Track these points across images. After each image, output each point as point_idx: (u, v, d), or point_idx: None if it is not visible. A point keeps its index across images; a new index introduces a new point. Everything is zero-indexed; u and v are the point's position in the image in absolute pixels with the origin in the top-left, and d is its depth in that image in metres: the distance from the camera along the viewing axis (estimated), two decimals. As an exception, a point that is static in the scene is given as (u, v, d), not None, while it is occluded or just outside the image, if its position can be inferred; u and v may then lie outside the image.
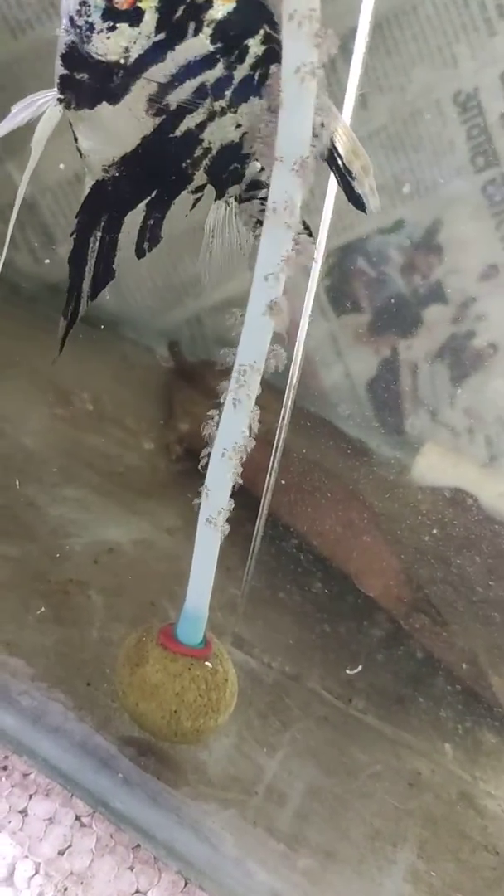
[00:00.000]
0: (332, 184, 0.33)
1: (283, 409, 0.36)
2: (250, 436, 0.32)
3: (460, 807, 0.44)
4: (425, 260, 0.69)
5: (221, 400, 0.32)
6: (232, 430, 0.32)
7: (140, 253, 0.35)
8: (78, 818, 0.41)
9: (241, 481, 0.34)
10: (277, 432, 0.37)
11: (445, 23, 0.64)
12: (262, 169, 0.31)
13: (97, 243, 0.34)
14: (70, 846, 0.40)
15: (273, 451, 0.38)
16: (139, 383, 0.68)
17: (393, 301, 0.70)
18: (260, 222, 0.30)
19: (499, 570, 0.48)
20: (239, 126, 0.30)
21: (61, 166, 0.70)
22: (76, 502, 0.55)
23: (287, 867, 0.39)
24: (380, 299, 0.70)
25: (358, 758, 0.45)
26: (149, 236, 0.33)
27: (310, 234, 0.31)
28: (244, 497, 0.38)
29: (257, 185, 0.32)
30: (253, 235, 0.33)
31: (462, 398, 0.68)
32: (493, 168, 0.66)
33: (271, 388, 0.34)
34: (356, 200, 0.32)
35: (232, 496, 0.34)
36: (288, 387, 0.37)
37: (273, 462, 0.38)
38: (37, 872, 0.39)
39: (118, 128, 0.30)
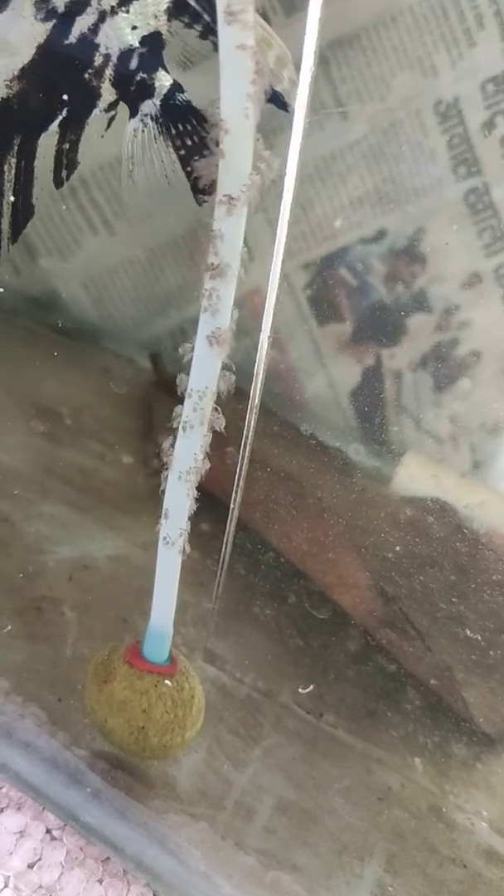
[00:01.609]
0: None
1: (247, 420, 0.36)
2: (205, 458, 0.33)
3: (430, 820, 0.44)
4: (408, 269, 0.69)
5: (175, 425, 0.32)
6: (187, 453, 0.32)
7: (58, 182, 0.32)
8: (49, 831, 0.41)
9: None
10: (242, 446, 0.37)
11: (425, 33, 0.64)
12: (175, 84, 0.30)
13: (12, 171, 0.31)
14: (40, 859, 0.41)
15: (239, 464, 0.38)
16: (120, 396, 0.68)
17: (376, 310, 0.70)
18: (185, 149, 0.29)
19: (468, 583, 0.48)
20: (135, 28, 0.29)
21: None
22: (52, 518, 0.55)
23: (254, 882, 0.40)
24: (362, 308, 0.70)
25: (328, 772, 0.45)
26: (66, 162, 0.31)
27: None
28: (221, 511, 0.39)
29: (174, 107, 0.30)
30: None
31: (446, 406, 0.68)
32: (474, 177, 0.66)
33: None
34: (277, 100, 0.29)
35: (207, 511, 0.35)
36: (251, 397, 0.37)
37: (239, 476, 0.38)
38: (6, 886, 0.40)
39: (11, 36, 0.28)
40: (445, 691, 0.48)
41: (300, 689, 0.48)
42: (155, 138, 0.32)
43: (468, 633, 0.48)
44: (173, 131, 0.31)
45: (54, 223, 0.71)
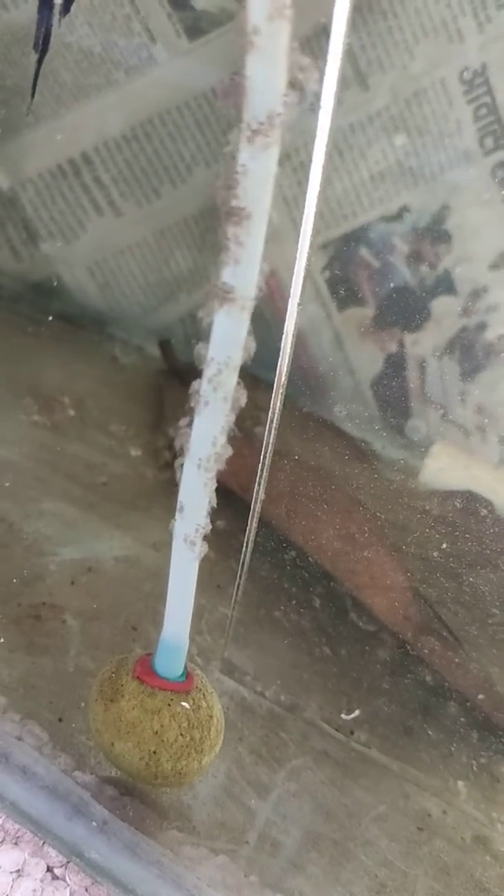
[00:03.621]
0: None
1: (271, 411, 0.32)
2: (226, 443, 0.28)
3: (476, 853, 0.40)
4: (432, 249, 0.68)
5: (193, 404, 0.28)
6: (205, 437, 0.28)
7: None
8: (50, 869, 0.38)
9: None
10: (265, 435, 0.33)
11: (450, -6, 0.61)
12: None
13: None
14: (41, 901, 0.37)
15: (262, 455, 0.34)
16: (127, 385, 0.66)
17: (398, 293, 0.68)
18: None
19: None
20: None
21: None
22: (54, 517, 0.52)
23: (282, 927, 0.36)
24: (384, 291, 0.68)
25: (361, 798, 0.41)
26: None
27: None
28: (239, 507, 0.37)
29: None
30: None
31: (473, 395, 0.66)
32: (502, 150, 0.64)
33: (270, 388, 0.32)
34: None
35: (223, 507, 0.31)
36: (276, 385, 0.33)
37: (262, 469, 0.34)
38: (2, 933, 0.36)
39: None
40: (493, 707, 0.45)
41: (343, 715, 0.44)
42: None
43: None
44: None
45: (56, 204, 0.70)
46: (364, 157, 0.66)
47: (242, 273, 0.24)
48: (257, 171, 0.23)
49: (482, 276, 0.66)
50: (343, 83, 0.65)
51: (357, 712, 0.44)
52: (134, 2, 0.63)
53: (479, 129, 0.64)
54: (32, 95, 0.36)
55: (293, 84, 0.22)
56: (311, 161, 0.27)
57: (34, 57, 0.37)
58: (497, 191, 0.65)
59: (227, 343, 0.26)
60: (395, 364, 0.69)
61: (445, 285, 0.66)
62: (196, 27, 0.63)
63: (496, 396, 0.65)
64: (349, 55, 0.64)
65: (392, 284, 0.67)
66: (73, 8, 0.64)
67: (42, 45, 0.33)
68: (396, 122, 0.65)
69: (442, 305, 0.67)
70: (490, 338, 0.66)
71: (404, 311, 0.69)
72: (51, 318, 0.71)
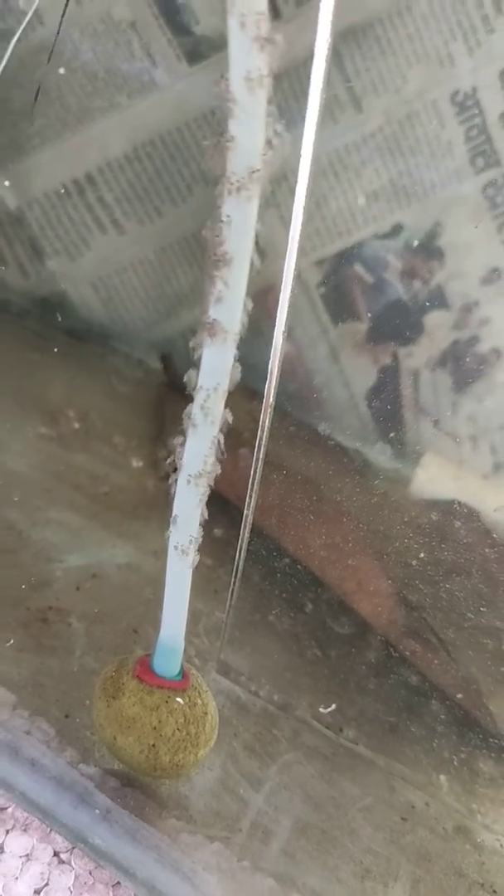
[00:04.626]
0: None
1: (260, 429, 0.34)
2: (216, 461, 0.31)
3: (456, 842, 0.42)
4: (425, 265, 0.68)
5: (185, 425, 0.30)
6: (196, 455, 0.30)
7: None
8: (56, 854, 0.40)
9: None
10: (255, 449, 0.35)
11: (441, 21, 0.63)
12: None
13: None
14: (47, 884, 0.39)
15: (252, 468, 0.36)
16: (130, 398, 0.66)
17: (392, 308, 0.68)
18: None
19: (497, 591, 0.46)
20: None
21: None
22: (60, 525, 0.54)
23: (272, 908, 0.38)
24: (378, 306, 0.69)
25: (348, 790, 0.43)
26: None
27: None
28: (235, 516, 0.38)
29: None
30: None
31: (466, 406, 0.67)
32: (493, 169, 0.65)
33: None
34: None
35: (220, 516, 0.33)
36: (265, 404, 0.35)
37: (253, 480, 0.36)
38: (12, 914, 0.38)
39: None
40: (472, 705, 0.46)
41: (322, 709, 0.46)
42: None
43: (498, 644, 0.46)
44: None
45: (61, 223, 0.71)
46: (359, 176, 0.66)
47: (227, 309, 0.27)
48: (239, 220, 0.25)
49: (474, 290, 0.66)
50: (338, 105, 0.67)
51: (333, 706, 0.46)
52: (136, 28, 0.64)
53: (471, 149, 0.64)
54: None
55: (270, 143, 0.24)
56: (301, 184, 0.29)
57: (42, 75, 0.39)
58: (488, 208, 0.65)
59: (215, 371, 0.28)
60: (389, 376, 0.69)
61: (438, 300, 0.67)
62: (196, 51, 0.64)
63: (488, 407, 0.66)
64: (344, 79, 0.65)
65: (386, 299, 0.67)
66: (77, 35, 0.65)
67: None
68: (390, 142, 0.66)
69: (435, 319, 0.67)
70: (482, 350, 0.66)
71: (398, 325, 0.69)
72: (63, 324, 0.71)
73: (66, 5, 0.33)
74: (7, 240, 0.72)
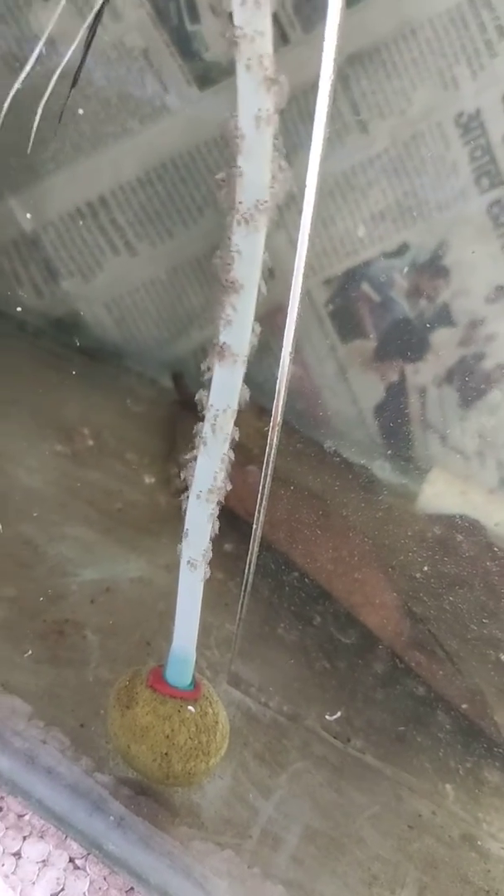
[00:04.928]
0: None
1: (269, 438, 0.35)
2: (226, 478, 0.32)
3: (462, 850, 0.43)
4: (431, 283, 0.69)
5: (196, 443, 0.31)
6: (206, 473, 0.32)
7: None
8: (72, 860, 0.41)
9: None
10: (265, 464, 0.36)
11: (445, 45, 0.64)
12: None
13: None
14: (63, 889, 0.40)
15: (262, 482, 0.37)
16: (142, 416, 0.68)
17: (399, 325, 0.69)
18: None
19: (499, 603, 0.47)
20: None
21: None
22: (74, 540, 0.55)
23: (282, 914, 0.39)
24: (385, 324, 0.70)
25: (356, 799, 0.44)
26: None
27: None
28: (245, 531, 0.38)
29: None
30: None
31: (472, 421, 0.68)
32: (497, 188, 0.66)
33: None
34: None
35: (230, 531, 0.34)
36: (273, 414, 0.36)
37: (262, 495, 0.37)
38: (29, 918, 0.39)
39: None
40: (477, 715, 0.47)
41: (327, 716, 0.47)
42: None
43: (500, 655, 0.47)
44: None
45: (75, 245, 0.72)
46: (365, 196, 0.67)
47: (237, 333, 0.28)
48: (248, 250, 0.27)
49: (479, 308, 0.67)
50: (344, 128, 0.68)
51: (339, 713, 0.47)
52: (148, 55, 0.65)
53: (475, 169, 0.65)
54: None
55: (276, 177, 0.26)
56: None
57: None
58: (492, 227, 0.66)
59: (224, 392, 0.30)
60: (397, 393, 0.70)
61: (444, 317, 0.67)
62: (206, 77, 0.66)
63: (494, 422, 0.66)
64: (350, 102, 0.66)
65: (393, 317, 0.68)
66: (91, 62, 0.67)
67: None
68: (395, 163, 0.67)
69: (441, 337, 0.68)
70: (488, 367, 0.67)
71: (405, 342, 0.70)
72: (77, 344, 0.72)
73: (93, 34, 0.34)
74: (23, 261, 0.73)
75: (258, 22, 0.24)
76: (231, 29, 0.24)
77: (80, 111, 0.67)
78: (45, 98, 0.36)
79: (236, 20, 0.24)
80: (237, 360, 0.29)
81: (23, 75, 0.39)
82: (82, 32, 0.32)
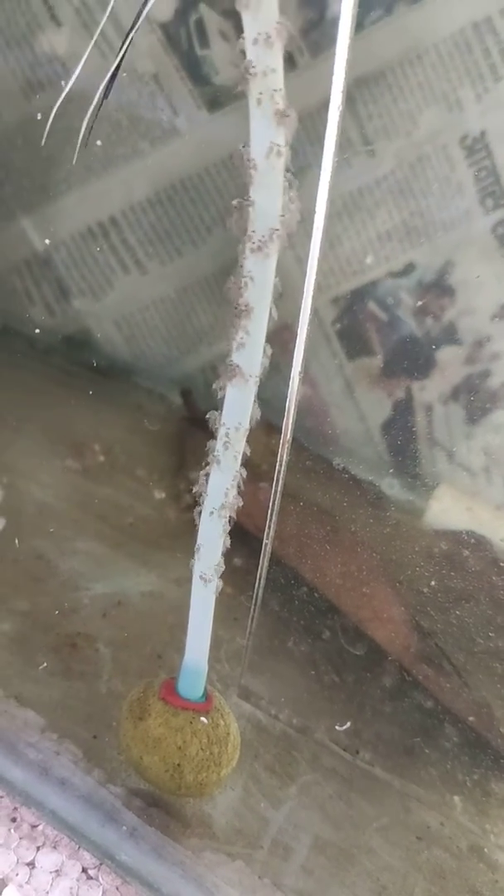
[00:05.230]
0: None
1: (279, 455, 0.36)
2: (238, 494, 0.33)
3: (470, 860, 0.43)
4: (437, 302, 0.69)
5: (209, 460, 0.32)
6: (218, 490, 0.32)
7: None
8: (84, 870, 0.41)
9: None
10: (274, 481, 0.37)
11: (450, 69, 0.65)
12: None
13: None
14: (76, 900, 0.40)
15: (272, 498, 0.38)
16: (152, 432, 0.68)
17: (406, 343, 0.70)
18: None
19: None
20: None
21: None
22: (86, 555, 0.56)
23: (292, 923, 0.39)
24: (392, 342, 0.70)
25: (365, 811, 0.44)
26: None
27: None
28: (254, 546, 0.40)
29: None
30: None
31: (479, 438, 0.68)
32: (502, 208, 0.67)
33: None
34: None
35: (240, 546, 0.35)
36: (283, 432, 0.37)
37: (272, 511, 0.38)
38: (43, 928, 0.40)
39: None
40: (484, 728, 0.47)
41: (337, 727, 0.47)
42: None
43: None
44: None
45: (86, 264, 0.73)
46: (372, 217, 0.68)
47: (248, 355, 0.29)
48: (260, 276, 0.28)
49: (485, 326, 0.67)
50: (351, 150, 0.69)
51: (348, 724, 0.48)
52: (158, 79, 0.66)
53: (480, 190, 0.66)
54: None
55: (287, 207, 0.27)
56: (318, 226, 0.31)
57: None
58: (497, 247, 0.66)
59: (236, 411, 0.31)
60: (403, 410, 0.70)
61: (450, 336, 0.68)
62: (215, 100, 0.67)
63: (500, 439, 0.67)
64: (357, 124, 0.67)
65: (399, 335, 0.69)
66: (103, 86, 0.68)
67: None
68: (402, 185, 0.68)
69: (447, 354, 0.68)
70: (494, 384, 0.67)
71: (411, 360, 0.70)
72: (88, 361, 0.73)
73: (120, 63, 0.35)
74: (35, 280, 0.74)
75: (270, 59, 0.25)
76: (243, 64, 0.26)
77: (98, 142, 0.68)
78: (91, 114, 0.37)
79: (249, 57, 0.25)
80: (249, 380, 0.30)
81: (65, 91, 0.40)
82: (122, 50, 0.33)
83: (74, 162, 0.68)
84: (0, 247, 0.74)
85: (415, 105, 0.65)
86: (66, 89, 0.38)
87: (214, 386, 0.31)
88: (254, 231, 0.27)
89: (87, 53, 0.64)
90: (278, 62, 0.25)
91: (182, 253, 0.72)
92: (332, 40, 0.28)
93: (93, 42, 0.65)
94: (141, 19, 0.33)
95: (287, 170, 0.27)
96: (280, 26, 0.25)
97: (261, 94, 0.25)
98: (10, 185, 0.72)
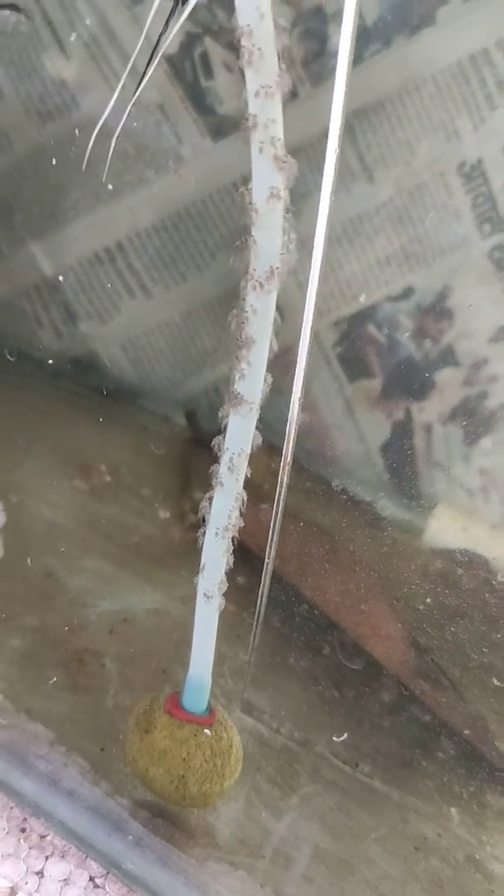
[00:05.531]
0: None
1: (280, 477, 0.38)
2: (240, 516, 0.34)
3: (467, 871, 0.44)
4: (435, 325, 0.70)
5: (213, 483, 0.34)
6: (222, 511, 0.34)
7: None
8: (92, 879, 0.42)
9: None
10: (276, 502, 0.39)
11: (448, 100, 0.66)
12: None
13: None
14: (84, 908, 0.41)
15: (273, 519, 0.39)
16: (157, 453, 0.70)
17: (404, 365, 0.71)
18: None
19: (498, 633, 0.48)
20: None
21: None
22: (93, 573, 0.57)
23: (293, 931, 0.40)
24: (391, 364, 0.71)
25: (364, 821, 0.46)
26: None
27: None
28: (256, 565, 0.41)
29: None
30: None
31: (477, 459, 0.69)
32: (499, 234, 0.68)
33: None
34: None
35: (242, 564, 0.36)
36: (284, 454, 0.38)
37: (273, 531, 0.39)
38: (52, 935, 0.41)
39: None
40: (479, 741, 0.48)
41: (335, 738, 0.49)
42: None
43: (499, 683, 0.48)
44: None
45: (93, 288, 0.75)
46: (371, 243, 0.69)
47: (250, 384, 0.31)
48: (261, 310, 0.30)
49: (483, 349, 0.68)
50: (351, 177, 0.71)
51: (346, 735, 0.49)
52: (164, 109, 0.68)
53: (477, 216, 0.67)
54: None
55: (286, 245, 0.29)
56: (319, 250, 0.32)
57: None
58: (495, 271, 0.68)
59: (239, 437, 0.32)
60: (403, 431, 0.71)
61: (448, 358, 0.69)
62: (219, 129, 0.68)
63: (498, 460, 0.68)
64: (357, 152, 0.68)
65: (398, 358, 0.70)
66: (110, 116, 0.70)
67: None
68: (400, 211, 0.69)
69: (446, 376, 0.69)
70: (491, 406, 0.69)
71: (410, 382, 0.71)
72: (95, 383, 0.75)
73: (141, 84, 0.37)
74: (44, 304, 0.75)
75: (270, 111, 0.27)
76: (246, 116, 0.27)
77: (110, 186, 0.69)
78: (116, 136, 0.38)
79: (251, 110, 0.27)
80: (251, 407, 0.31)
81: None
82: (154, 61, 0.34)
83: (104, 179, 0.69)
84: (11, 272, 0.75)
85: (413, 134, 0.67)
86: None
87: (219, 413, 0.33)
88: (255, 268, 0.29)
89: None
90: (278, 113, 0.27)
91: (186, 278, 0.74)
92: (332, 71, 0.29)
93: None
94: (157, 59, 0.35)
95: (287, 210, 0.29)
96: (280, 79, 0.27)
97: (262, 143, 0.27)
98: (20, 212, 0.73)
